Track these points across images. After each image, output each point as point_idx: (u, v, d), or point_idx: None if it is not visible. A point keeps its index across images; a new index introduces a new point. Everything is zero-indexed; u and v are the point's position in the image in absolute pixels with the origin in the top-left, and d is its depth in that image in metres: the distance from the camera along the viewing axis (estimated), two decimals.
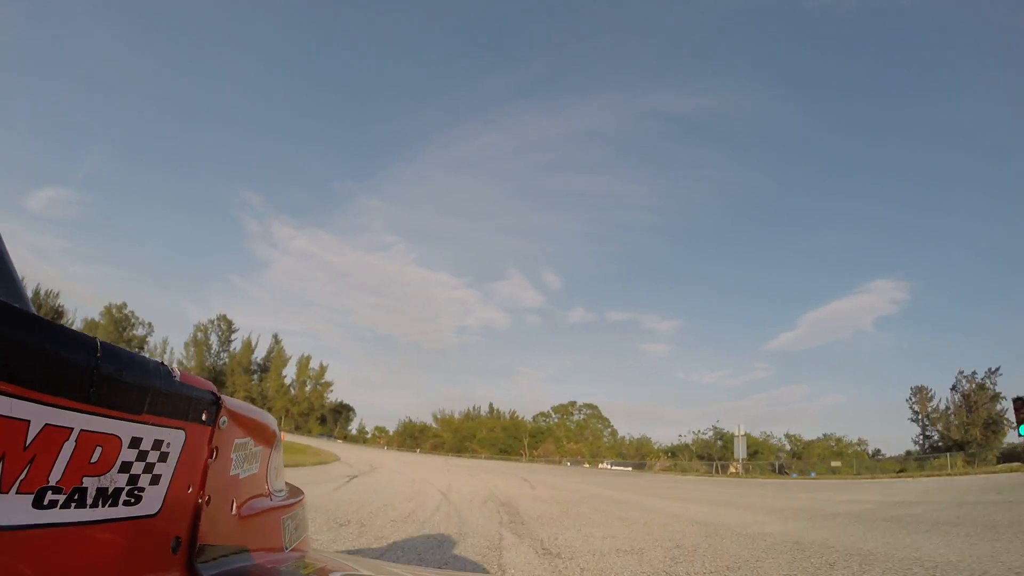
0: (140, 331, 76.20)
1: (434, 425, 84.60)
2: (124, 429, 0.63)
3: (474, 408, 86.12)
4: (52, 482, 0.56)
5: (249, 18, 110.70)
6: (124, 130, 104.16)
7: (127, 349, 0.65)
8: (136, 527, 0.67)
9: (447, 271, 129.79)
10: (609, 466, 57.47)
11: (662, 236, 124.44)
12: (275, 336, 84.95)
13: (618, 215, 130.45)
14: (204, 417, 0.79)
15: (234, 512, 0.93)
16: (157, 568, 0.71)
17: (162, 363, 0.70)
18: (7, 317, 0.51)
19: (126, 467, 0.65)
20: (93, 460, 0.60)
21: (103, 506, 0.62)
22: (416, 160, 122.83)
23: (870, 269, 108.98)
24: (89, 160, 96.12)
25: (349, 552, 4.96)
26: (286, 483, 1.39)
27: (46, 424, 0.54)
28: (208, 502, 0.82)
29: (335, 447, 44.57)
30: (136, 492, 0.67)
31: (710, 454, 56.04)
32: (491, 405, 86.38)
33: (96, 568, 0.62)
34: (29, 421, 0.52)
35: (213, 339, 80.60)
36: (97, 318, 72.51)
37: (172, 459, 0.72)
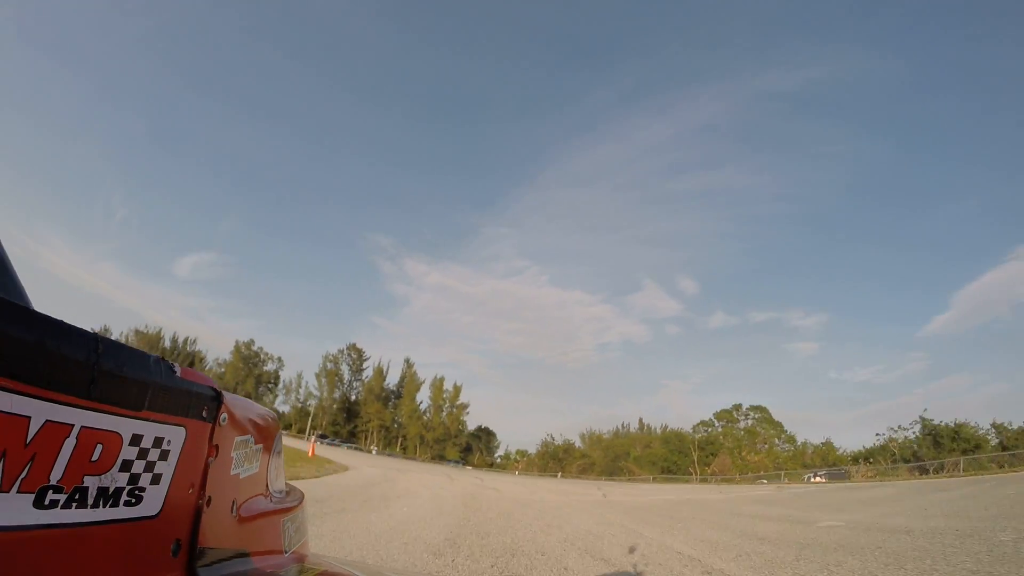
0: (270, 366, 77.16)
1: (579, 445, 74.76)
2: (125, 426, 0.62)
3: (623, 426, 75.47)
4: (53, 481, 0.55)
5: (354, 74, 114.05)
6: (254, 197, 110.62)
7: (127, 344, 0.64)
8: (137, 529, 0.66)
9: (582, 289, 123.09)
10: (819, 478, 43.25)
11: (793, 224, 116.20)
12: (407, 361, 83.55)
13: (745, 208, 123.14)
14: (205, 413, 0.77)
15: (234, 514, 0.91)
16: (157, 571, 0.70)
17: (162, 358, 0.69)
18: (6, 312, 0.50)
19: (127, 465, 0.63)
20: (94, 458, 0.59)
21: (104, 506, 0.61)
22: (536, 183, 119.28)
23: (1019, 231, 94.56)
24: (226, 225, 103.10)
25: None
26: (286, 484, 1.36)
27: (47, 420, 0.53)
28: (208, 503, 0.80)
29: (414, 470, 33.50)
30: (137, 492, 0.65)
31: (916, 455, 44.19)
32: (640, 420, 75.33)
33: (96, 571, 0.61)
34: (30, 417, 0.51)
35: (344, 369, 79.44)
36: (228, 357, 74.72)
37: (173, 457, 0.70)
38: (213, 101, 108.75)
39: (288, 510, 1.16)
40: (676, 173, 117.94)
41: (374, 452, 63.27)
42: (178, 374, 0.71)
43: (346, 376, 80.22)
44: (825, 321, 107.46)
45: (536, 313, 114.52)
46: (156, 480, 0.68)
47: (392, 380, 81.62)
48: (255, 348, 76.71)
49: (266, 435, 1.08)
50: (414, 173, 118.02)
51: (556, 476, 62.90)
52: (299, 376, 78.78)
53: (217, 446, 0.81)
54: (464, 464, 71.93)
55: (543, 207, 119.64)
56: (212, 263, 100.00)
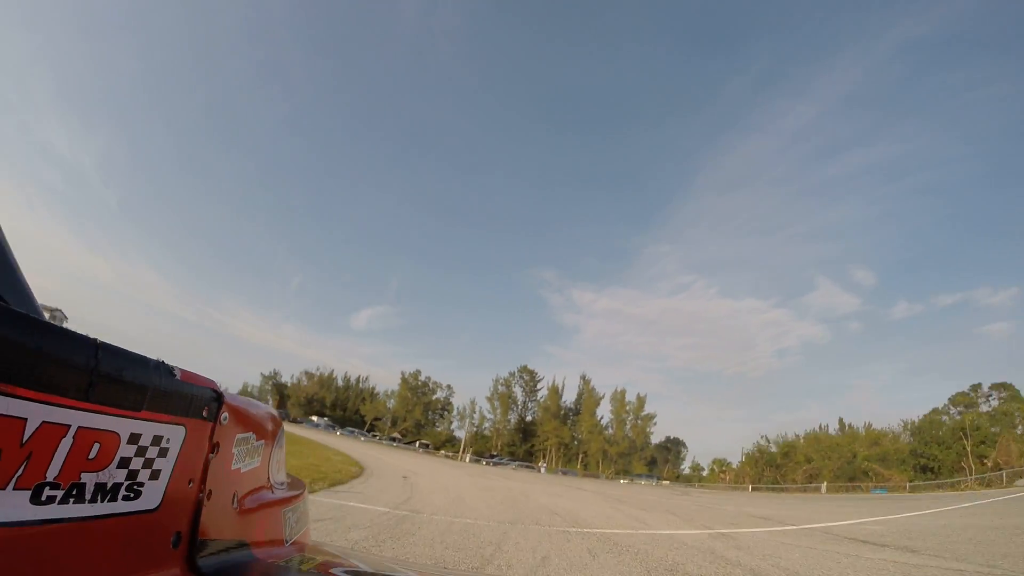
0: (439, 394, 77.26)
1: (774, 450, 62.22)
2: (123, 425, 0.63)
3: (822, 427, 62.67)
4: (50, 478, 0.56)
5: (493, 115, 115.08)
6: (418, 250, 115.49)
7: (127, 349, 0.65)
8: (136, 522, 0.67)
9: (752, 296, 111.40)
10: None
11: (966, 184, 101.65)
12: (583, 378, 78.59)
13: (909, 181, 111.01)
14: (205, 413, 0.79)
15: (235, 506, 0.93)
16: (158, 563, 0.71)
17: (163, 362, 0.70)
18: (5, 318, 0.51)
19: (125, 462, 0.64)
20: (91, 456, 0.60)
21: (102, 501, 0.62)
22: (689, 192, 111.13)
23: None
24: (395, 279, 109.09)
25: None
26: (288, 475, 1.39)
27: (43, 422, 0.54)
28: (209, 496, 0.82)
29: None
30: (135, 487, 0.67)
31: None
32: (841, 420, 61.90)
33: (96, 563, 0.62)
34: (26, 419, 0.53)
35: (517, 391, 77.25)
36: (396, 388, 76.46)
37: (172, 454, 0.72)
38: (364, 169, 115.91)
39: (289, 500, 1.18)
40: (827, 156, 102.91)
41: (542, 470, 57.54)
42: (178, 377, 0.72)
43: (520, 397, 78.16)
44: (1018, 295, 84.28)
45: (708, 326, 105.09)
46: (155, 476, 0.69)
47: (569, 398, 77.72)
48: (422, 379, 77.74)
49: (268, 431, 1.10)
50: (568, 201, 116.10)
51: (801, 489, 51.37)
52: (472, 402, 78.29)
53: (218, 443, 0.83)
54: (658, 479, 64.22)
55: (700, 217, 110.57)
56: (385, 314, 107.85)
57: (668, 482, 60.84)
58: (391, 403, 78.12)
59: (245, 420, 0.96)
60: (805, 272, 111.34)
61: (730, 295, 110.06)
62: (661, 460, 79.47)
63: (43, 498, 0.55)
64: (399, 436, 72.75)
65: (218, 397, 0.82)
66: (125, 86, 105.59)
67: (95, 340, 0.59)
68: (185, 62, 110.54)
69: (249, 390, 76.19)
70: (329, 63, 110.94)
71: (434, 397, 78.17)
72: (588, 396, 76.01)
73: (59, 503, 0.57)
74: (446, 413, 79.77)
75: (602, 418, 75.65)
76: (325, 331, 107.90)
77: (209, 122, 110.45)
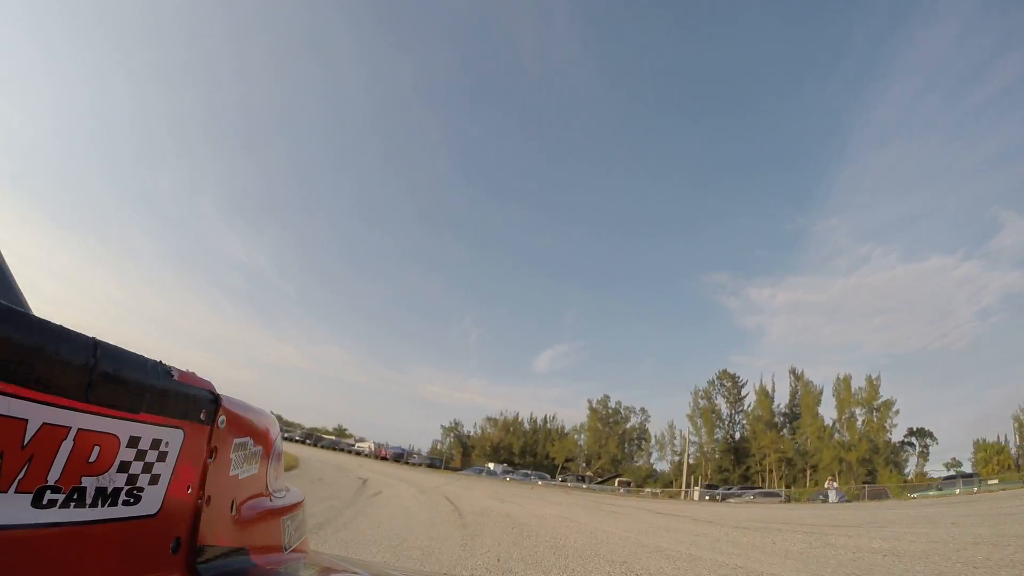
0: (633, 420, 70.51)
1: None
2: (122, 428, 0.63)
3: None
4: (51, 481, 0.56)
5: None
6: (589, 274, 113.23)
7: (125, 348, 0.65)
8: (136, 527, 0.67)
9: (936, 252, 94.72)
10: None
11: None
12: (792, 372, 60.83)
13: None
14: (203, 416, 0.79)
15: (234, 512, 0.93)
16: (158, 568, 0.72)
17: (160, 362, 0.71)
18: (4, 317, 0.52)
19: (125, 467, 0.65)
20: (92, 459, 0.60)
21: (102, 506, 0.62)
22: (843, 158, 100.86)
23: None
24: (569, 313, 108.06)
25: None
26: (286, 485, 1.39)
27: (44, 423, 0.54)
28: (208, 502, 0.82)
29: None
30: (135, 492, 0.67)
31: None
32: None
33: (97, 568, 0.62)
34: (27, 420, 0.53)
35: (720, 403, 67.42)
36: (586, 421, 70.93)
37: (171, 459, 0.72)
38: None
39: (288, 509, 1.18)
40: (978, 74, 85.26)
41: (832, 495, 34.24)
42: (175, 377, 0.72)
43: (724, 411, 68.16)
44: None
45: (896, 299, 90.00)
46: (155, 481, 0.69)
47: (779, 402, 65.31)
48: (611, 405, 71.51)
49: (265, 438, 1.10)
50: (722, 193, 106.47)
51: None
52: (670, 426, 69.87)
53: (216, 447, 0.83)
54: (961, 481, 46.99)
55: (862, 180, 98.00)
56: (566, 352, 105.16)
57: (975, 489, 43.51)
58: (582, 438, 72.73)
59: (242, 424, 0.95)
60: (983, 209, 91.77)
61: (912, 258, 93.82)
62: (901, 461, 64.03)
63: (44, 502, 0.55)
64: (592, 475, 66.06)
65: (215, 399, 0.81)
66: (282, 189, 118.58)
67: (93, 338, 0.59)
68: (340, 151, 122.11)
69: (438, 447, 76.24)
70: (465, 108, 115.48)
71: (628, 426, 71.59)
72: (805, 393, 60.28)
73: (60, 507, 0.57)
74: (643, 443, 72.44)
75: (822, 417, 60.40)
76: (509, 379, 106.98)
77: (364, 206, 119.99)
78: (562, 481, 57.08)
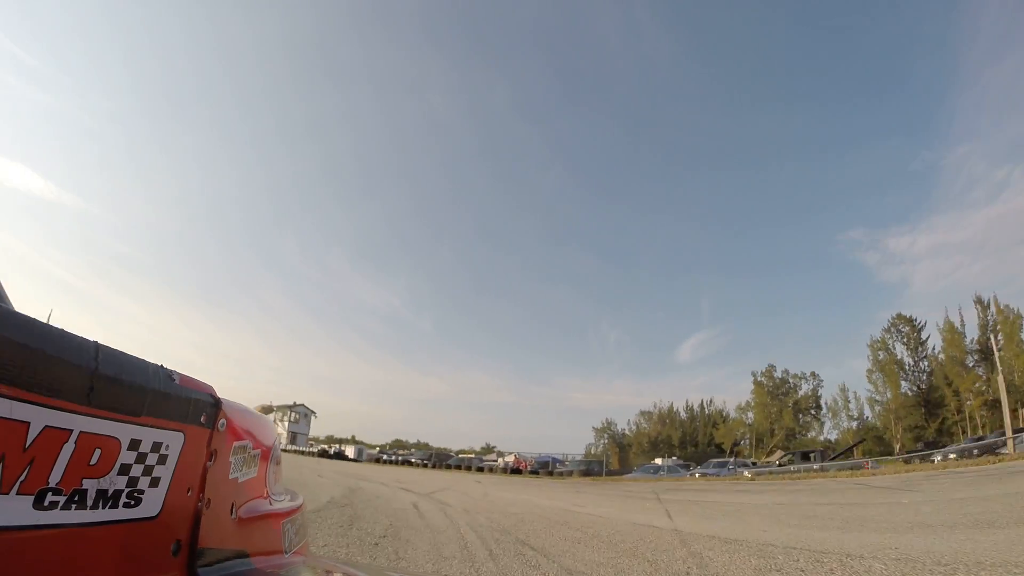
0: (804, 387, 64.09)
1: None
2: (123, 431, 0.64)
3: None
4: (52, 483, 0.57)
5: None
6: (718, 259, 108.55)
7: (126, 352, 0.66)
8: (136, 529, 0.68)
9: None
10: None
11: None
12: (978, 300, 46.80)
13: None
14: (203, 419, 0.80)
15: (234, 516, 0.94)
16: (158, 570, 0.72)
17: (162, 366, 0.71)
18: (6, 320, 0.52)
19: (125, 469, 0.65)
20: (93, 462, 0.61)
21: (103, 508, 0.63)
22: (958, 75, 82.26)
23: None
24: (704, 300, 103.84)
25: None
26: (286, 488, 1.39)
27: (46, 426, 0.55)
28: (208, 505, 0.82)
29: None
30: (136, 494, 0.67)
31: None
32: None
33: (97, 569, 0.63)
34: (29, 423, 0.53)
35: (900, 351, 58.38)
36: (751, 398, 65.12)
37: (171, 461, 0.73)
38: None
39: (288, 513, 1.19)
40: None
41: None
42: (177, 381, 0.73)
43: (905, 360, 59.01)
44: None
45: None
46: (155, 483, 0.70)
47: (970, 335, 53.63)
48: (777, 375, 65.56)
49: (265, 441, 1.10)
50: (837, 135, 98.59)
51: None
52: (842, 389, 62.39)
53: (216, 451, 0.84)
54: None
55: (983, 97, 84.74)
56: (707, 339, 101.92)
57: None
58: (749, 416, 66.53)
59: (242, 428, 0.96)
60: None
61: None
62: None
63: (46, 503, 0.56)
64: (773, 461, 48.31)
65: (216, 403, 0.82)
66: (407, 228, 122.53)
67: (95, 342, 0.60)
68: (456, 182, 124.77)
69: (592, 451, 73.81)
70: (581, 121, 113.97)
71: (800, 395, 64.99)
72: (1003, 320, 50.12)
73: (61, 509, 0.57)
74: (817, 412, 65.39)
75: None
76: (653, 374, 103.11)
77: (487, 231, 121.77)
78: (737, 468, 38.30)
